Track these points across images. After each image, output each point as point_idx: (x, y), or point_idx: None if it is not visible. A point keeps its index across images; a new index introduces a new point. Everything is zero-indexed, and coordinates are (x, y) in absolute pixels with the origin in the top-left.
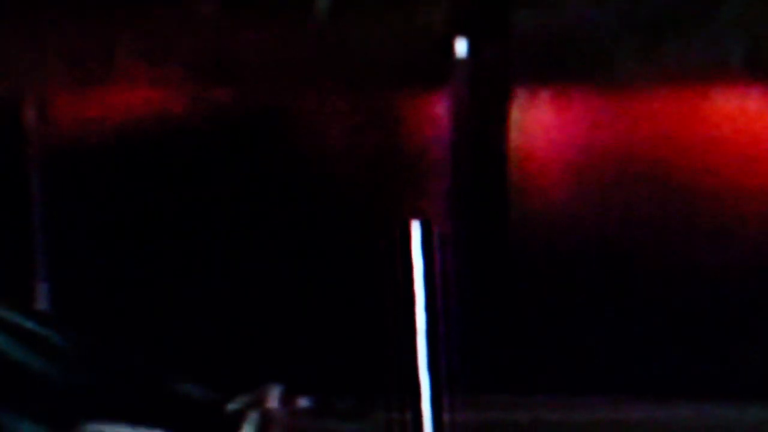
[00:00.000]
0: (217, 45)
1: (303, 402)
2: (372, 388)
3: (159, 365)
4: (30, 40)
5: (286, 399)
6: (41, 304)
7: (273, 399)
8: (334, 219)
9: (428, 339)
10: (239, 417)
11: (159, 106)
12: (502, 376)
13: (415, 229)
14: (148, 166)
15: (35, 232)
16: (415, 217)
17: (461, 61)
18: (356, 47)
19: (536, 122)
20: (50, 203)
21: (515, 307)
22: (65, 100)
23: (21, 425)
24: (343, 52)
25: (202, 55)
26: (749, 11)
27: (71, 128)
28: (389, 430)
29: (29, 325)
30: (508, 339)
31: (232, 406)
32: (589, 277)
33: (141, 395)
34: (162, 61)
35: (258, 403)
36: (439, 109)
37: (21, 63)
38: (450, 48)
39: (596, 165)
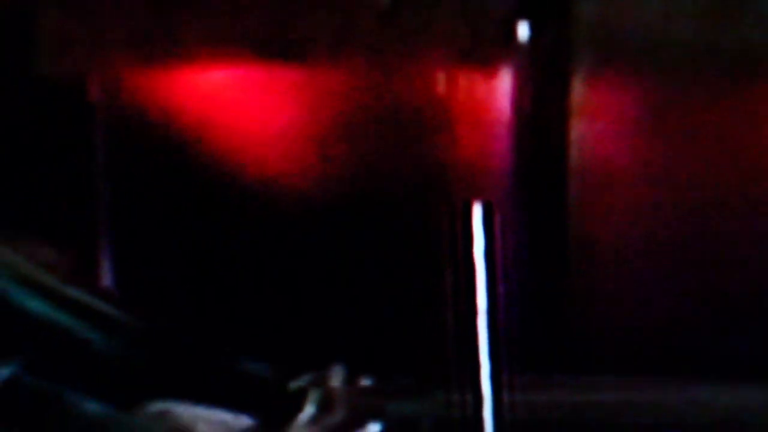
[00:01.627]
0: (283, 23)
1: (364, 381)
2: (432, 367)
3: (222, 343)
4: (95, 14)
5: (348, 378)
6: (105, 281)
7: (335, 378)
8: (395, 199)
9: (488, 319)
10: (302, 396)
11: (224, 83)
12: (562, 356)
13: (477, 210)
14: (213, 142)
15: (99, 208)
16: (477, 198)
17: (523, 45)
18: (418, 30)
19: (597, 106)
20: (115, 180)
21: (574, 288)
22: (131, 77)
23: (85, 404)
24: (405, 34)
25: (267, 34)
26: None
27: (137, 105)
28: (449, 410)
29: (93, 302)
30: (567, 320)
31: (294, 385)
32: (648, 260)
33: (204, 374)
34: (227, 38)
35: (320, 382)
36: (501, 92)
37: (86, 38)
38: (512, 31)
39: (658, 149)
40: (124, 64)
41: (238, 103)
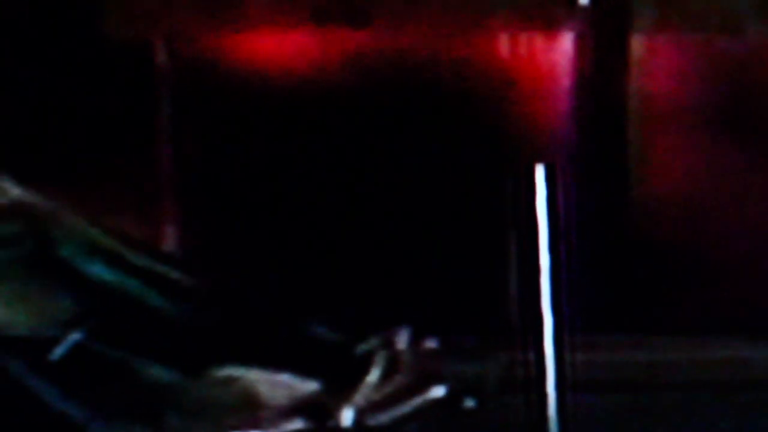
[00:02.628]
0: None
1: (429, 343)
2: (496, 328)
3: (288, 307)
4: None
5: (413, 341)
6: (170, 246)
7: (400, 341)
8: (458, 162)
9: (551, 280)
10: (368, 358)
11: (289, 48)
12: (622, 316)
13: (539, 172)
14: (277, 107)
15: (164, 174)
16: (539, 160)
17: (583, 8)
18: None
19: (655, 68)
20: (179, 145)
21: (635, 249)
22: (196, 41)
23: (151, 369)
24: None
25: None
26: None
27: (202, 69)
28: (512, 370)
29: (159, 267)
30: (628, 280)
31: (360, 348)
32: (708, 221)
33: (271, 338)
34: (292, 2)
35: (386, 344)
36: (562, 54)
37: (152, 3)
38: None
39: (718, 107)
40: (190, 28)
41: (302, 66)
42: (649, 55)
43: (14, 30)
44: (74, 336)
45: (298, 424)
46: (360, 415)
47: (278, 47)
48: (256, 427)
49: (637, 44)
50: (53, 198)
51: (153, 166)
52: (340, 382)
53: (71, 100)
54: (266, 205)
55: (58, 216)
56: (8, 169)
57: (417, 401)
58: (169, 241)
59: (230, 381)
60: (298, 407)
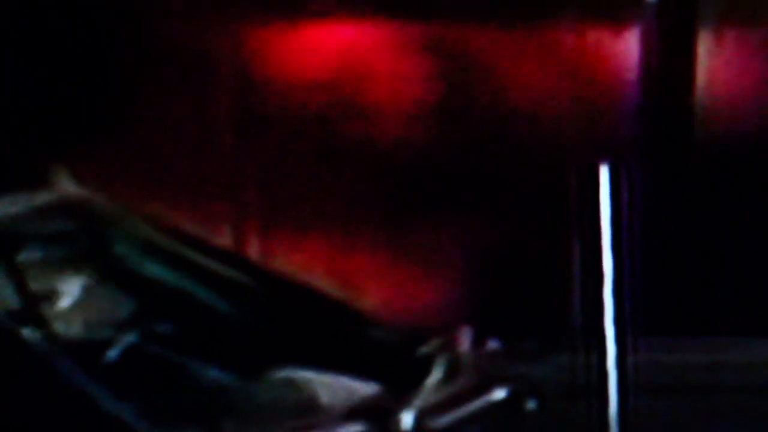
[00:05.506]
0: None
1: (491, 345)
2: (558, 330)
3: (348, 308)
4: None
5: (476, 342)
6: (227, 244)
7: (462, 342)
8: (519, 160)
9: (614, 282)
10: (429, 360)
11: (355, 43)
12: (686, 318)
13: (603, 172)
14: (348, 106)
15: (229, 172)
16: (603, 160)
17: (649, 3)
18: None
19: (722, 63)
20: (245, 142)
21: (700, 249)
22: (259, 36)
23: (208, 372)
24: None
25: None
26: None
27: (265, 63)
28: (574, 372)
29: (216, 266)
30: (692, 282)
31: (422, 350)
32: None
33: (330, 340)
34: None
35: (448, 346)
36: (628, 49)
37: None
38: None
39: None
40: (251, 23)
41: (365, 61)
42: (716, 50)
43: (73, 30)
44: (129, 337)
45: (357, 427)
46: (421, 417)
47: (344, 40)
48: (314, 430)
49: (703, 40)
50: (116, 195)
51: (219, 165)
52: (401, 385)
53: (138, 102)
54: (329, 201)
55: (113, 213)
56: (70, 166)
57: (478, 403)
58: (227, 238)
59: (288, 384)
60: (358, 410)
